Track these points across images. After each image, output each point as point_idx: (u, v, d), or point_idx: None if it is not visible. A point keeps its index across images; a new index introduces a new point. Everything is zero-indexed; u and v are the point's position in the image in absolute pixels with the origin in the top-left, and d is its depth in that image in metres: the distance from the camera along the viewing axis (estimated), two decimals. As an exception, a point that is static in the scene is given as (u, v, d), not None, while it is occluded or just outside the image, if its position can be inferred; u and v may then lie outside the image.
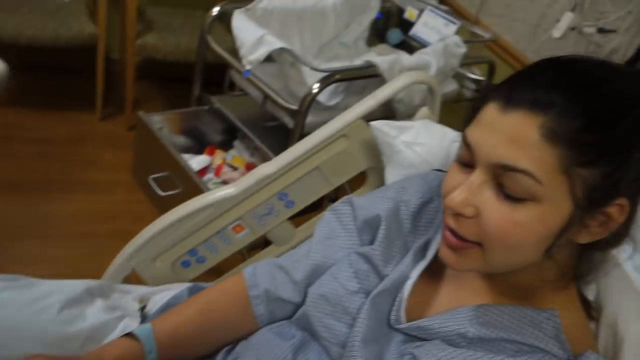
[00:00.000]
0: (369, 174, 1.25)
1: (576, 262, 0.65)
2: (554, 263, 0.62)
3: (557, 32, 1.63)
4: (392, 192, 0.82)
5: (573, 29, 1.67)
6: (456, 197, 0.58)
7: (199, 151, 1.72)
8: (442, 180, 0.64)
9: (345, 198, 0.87)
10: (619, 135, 0.54)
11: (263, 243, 1.32)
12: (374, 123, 1.05)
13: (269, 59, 1.59)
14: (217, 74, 1.72)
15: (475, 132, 0.59)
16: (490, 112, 0.57)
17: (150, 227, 1.12)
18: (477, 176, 0.58)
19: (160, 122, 1.63)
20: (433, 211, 0.80)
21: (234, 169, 1.61)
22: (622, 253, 0.74)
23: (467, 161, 0.60)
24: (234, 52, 1.46)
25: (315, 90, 1.29)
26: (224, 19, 1.59)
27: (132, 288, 1.06)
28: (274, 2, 1.55)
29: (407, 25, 2.10)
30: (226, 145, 1.82)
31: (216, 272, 1.22)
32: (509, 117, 0.55)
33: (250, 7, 1.48)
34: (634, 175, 0.56)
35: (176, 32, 2.56)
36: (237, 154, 1.76)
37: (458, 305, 0.68)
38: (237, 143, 1.78)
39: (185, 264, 1.20)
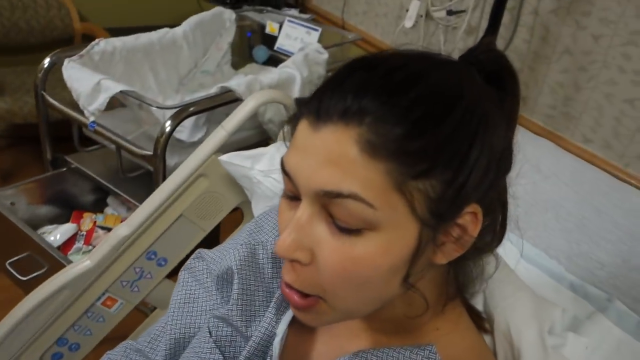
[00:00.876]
0: (244, 209, 1.15)
1: (449, 280, 0.57)
2: (419, 292, 0.53)
3: (408, 22, 1.61)
4: (245, 235, 0.72)
5: (422, 16, 1.66)
6: (284, 241, 0.48)
7: (69, 218, 1.55)
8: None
9: (196, 252, 0.76)
10: (448, 134, 0.45)
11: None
12: (224, 157, 0.95)
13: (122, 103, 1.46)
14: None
15: (291, 158, 0.48)
16: (303, 131, 0.47)
17: (1, 324, 0.95)
18: (304, 210, 0.48)
19: (14, 196, 1.45)
20: None
21: (109, 230, 1.45)
22: (503, 245, 0.68)
23: (292, 194, 0.50)
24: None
25: (167, 129, 1.18)
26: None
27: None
28: (112, 42, 1.42)
29: (271, 40, 2.04)
30: (101, 204, 1.66)
31: (120, 336, 1.06)
32: (321, 134, 0.45)
33: (84, 53, 1.34)
34: (479, 176, 0.47)
35: (33, 91, 2.35)
36: (113, 211, 1.60)
37: (336, 356, 0.58)
38: (110, 200, 1.63)
39: (56, 357, 1.05)
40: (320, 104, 0.46)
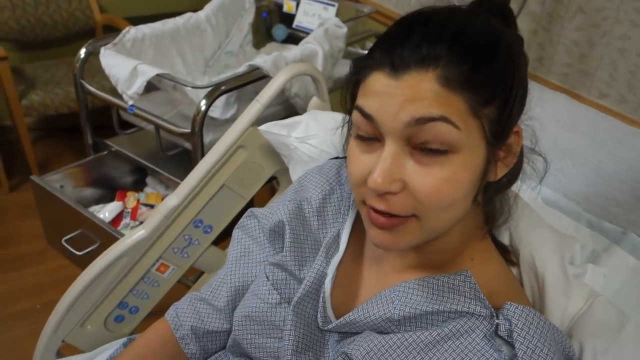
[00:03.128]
0: (280, 177, 1.23)
1: (482, 211, 0.65)
2: (482, 208, 0.63)
3: (423, -9, 1.65)
4: (291, 193, 0.81)
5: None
6: (378, 177, 0.55)
7: (113, 199, 1.65)
8: (347, 166, 0.61)
9: (248, 211, 0.85)
10: (500, 68, 0.55)
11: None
12: (262, 127, 1.03)
13: (155, 86, 1.54)
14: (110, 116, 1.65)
15: (371, 102, 0.56)
16: (380, 81, 0.55)
17: (67, 292, 1.05)
18: (390, 148, 0.55)
19: (61, 180, 1.55)
20: (337, 201, 0.78)
21: (151, 207, 1.55)
22: (527, 192, 0.76)
23: (370, 135, 0.57)
24: (116, 90, 1.40)
25: (203, 108, 1.26)
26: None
27: (67, 361, 1.00)
28: (141, 30, 1.50)
29: (289, 19, 2.10)
30: (141, 184, 1.75)
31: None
32: (403, 80, 0.54)
33: (117, 42, 1.42)
34: (519, 102, 0.59)
35: (62, 83, 2.46)
36: (152, 190, 1.70)
37: (381, 290, 0.67)
38: (149, 179, 1.72)
39: (119, 319, 1.15)
40: (393, 57, 0.54)
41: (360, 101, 0.57)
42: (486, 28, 0.57)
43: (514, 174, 0.65)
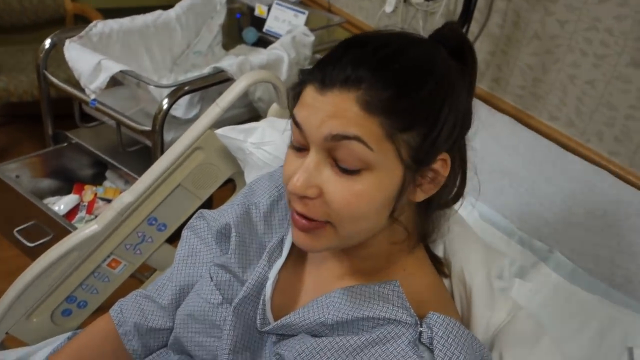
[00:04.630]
0: (237, 180, 1.25)
1: (419, 223, 0.69)
2: (400, 224, 0.65)
3: (388, 8, 1.71)
4: (241, 197, 0.83)
5: (402, 1, 1.76)
6: (297, 181, 0.59)
7: (70, 191, 1.64)
8: (283, 171, 0.65)
9: (198, 213, 0.86)
10: (425, 98, 0.58)
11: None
12: (219, 131, 1.05)
13: (120, 81, 1.54)
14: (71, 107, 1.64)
15: (301, 112, 0.60)
16: (310, 93, 0.59)
17: (14, 284, 1.05)
18: (313, 157, 0.59)
19: (17, 170, 1.54)
20: (284, 208, 0.81)
21: (109, 201, 1.55)
22: (466, 207, 0.79)
23: (301, 144, 0.62)
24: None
25: (165, 107, 1.27)
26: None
27: (8, 353, 1.00)
28: (109, 24, 1.50)
29: (261, 22, 2.12)
30: (101, 178, 1.75)
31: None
32: (327, 97, 0.57)
33: (83, 35, 1.42)
34: (448, 130, 0.61)
35: (26, 70, 2.41)
36: (112, 184, 1.69)
37: (319, 295, 0.70)
38: (109, 174, 1.72)
39: (66, 313, 1.15)
40: (324, 74, 0.58)
41: (295, 110, 0.62)
42: (421, 57, 0.60)
43: (457, 196, 0.69)
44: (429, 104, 0.58)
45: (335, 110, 0.57)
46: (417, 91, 0.58)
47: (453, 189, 0.68)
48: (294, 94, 0.64)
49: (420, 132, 0.58)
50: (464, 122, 0.64)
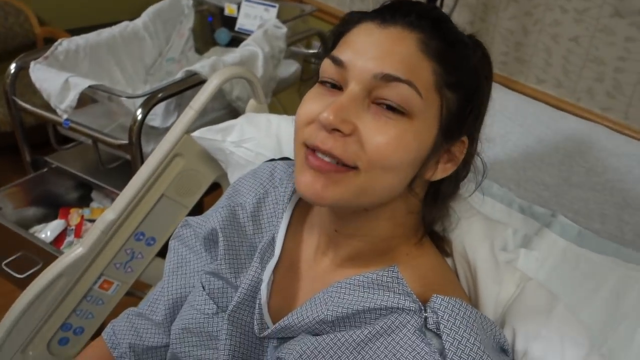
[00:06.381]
0: (222, 183, 1.21)
1: (426, 211, 0.66)
2: (416, 197, 0.62)
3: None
4: (225, 199, 0.79)
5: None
6: (331, 113, 0.54)
7: (56, 217, 1.60)
8: (298, 111, 0.60)
9: (183, 221, 0.83)
10: (474, 65, 0.59)
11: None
12: (196, 133, 1.01)
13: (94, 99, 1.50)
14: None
15: (348, 49, 0.58)
16: (366, 30, 0.58)
17: (4, 318, 1.01)
18: (352, 92, 0.56)
19: (-1, 202, 1.49)
20: (272, 205, 0.77)
21: (96, 222, 1.50)
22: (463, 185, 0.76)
23: (334, 82, 0.58)
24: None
25: (139, 117, 1.23)
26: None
27: (6, 391, 0.96)
28: (74, 41, 1.45)
29: (232, 22, 2.07)
30: (87, 200, 1.70)
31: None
32: (389, 31, 0.57)
33: (48, 55, 1.37)
34: (477, 112, 0.61)
35: (2, 100, 2.36)
36: (99, 205, 1.65)
37: (317, 291, 0.66)
38: (94, 194, 1.67)
39: (63, 342, 1.11)
40: (386, 14, 0.58)
41: (336, 51, 0.59)
42: (466, 39, 0.61)
43: (457, 184, 0.67)
44: (476, 71, 0.60)
45: (393, 46, 0.56)
46: (468, 54, 0.59)
47: (462, 175, 0.66)
48: (335, 36, 0.62)
49: (461, 96, 0.58)
50: (483, 112, 0.64)
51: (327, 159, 0.56)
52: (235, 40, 2.05)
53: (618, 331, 0.67)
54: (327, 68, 0.59)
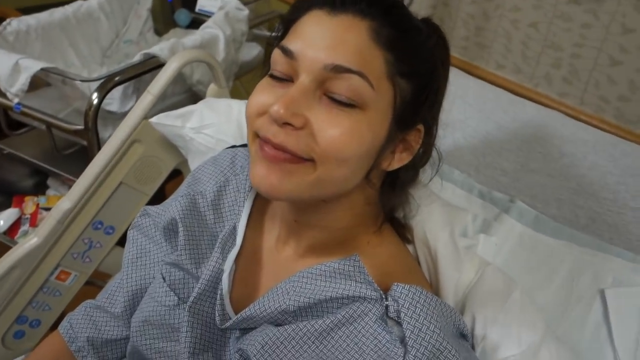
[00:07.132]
0: (183, 170, 1.18)
1: (385, 200, 0.66)
2: (373, 187, 0.62)
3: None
4: (184, 187, 0.77)
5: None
6: (282, 106, 0.53)
7: (10, 205, 1.54)
8: (249, 101, 0.59)
9: (142, 210, 0.80)
10: (427, 50, 0.58)
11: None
12: (154, 119, 0.98)
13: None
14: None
15: (298, 40, 0.56)
16: (316, 18, 0.56)
17: (-44, 313, 0.98)
18: (302, 84, 0.54)
19: (-52, 191, 1.43)
20: (233, 192, 0.76)
21: (52, 210, 1.45)
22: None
23: (284, 74, 0.57)
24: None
25: (95, 102, 1.18)
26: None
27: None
28: (25, 21, 1.39)
29: (192, 3, 2.02)
30: (42, 187, 1.64)
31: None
32: (339, 19, 0.55)
33: (-4, 35, 1.31)
34: (431, 101, 0.60)
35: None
36: (55, 192, 1.60)
37: (279, 281, 0.65)
38: (50, 181, 1.62)
39: (19, 335, 1.08)
40: (335, 0, 0.56)
41: (286, 41, 0.57)
42: (420, 24, 0.60)
43: (415, 172, 0.67)
44: (431, 57, 0.59)
45: (343, 35, 0.54)
46: (422, 41, 0.58)
47: (419, 163, 0.66)
48: (285, 24, 0.60)
49: (415, 84, 0.57)
50: (440, 98, 0.63)
51: (279, 152, 0.55)
52: (196, 22, 1.99)
53: (573, 313, 0.70)
54: (277, 59, 0.57)
